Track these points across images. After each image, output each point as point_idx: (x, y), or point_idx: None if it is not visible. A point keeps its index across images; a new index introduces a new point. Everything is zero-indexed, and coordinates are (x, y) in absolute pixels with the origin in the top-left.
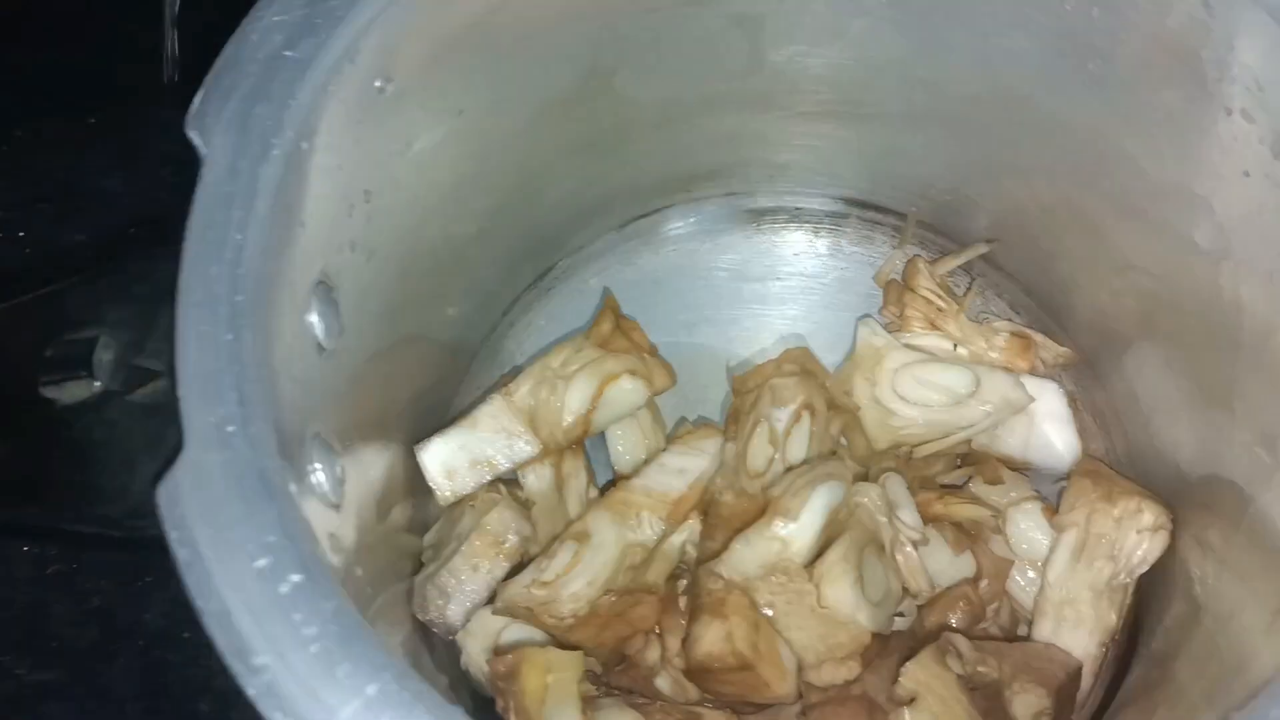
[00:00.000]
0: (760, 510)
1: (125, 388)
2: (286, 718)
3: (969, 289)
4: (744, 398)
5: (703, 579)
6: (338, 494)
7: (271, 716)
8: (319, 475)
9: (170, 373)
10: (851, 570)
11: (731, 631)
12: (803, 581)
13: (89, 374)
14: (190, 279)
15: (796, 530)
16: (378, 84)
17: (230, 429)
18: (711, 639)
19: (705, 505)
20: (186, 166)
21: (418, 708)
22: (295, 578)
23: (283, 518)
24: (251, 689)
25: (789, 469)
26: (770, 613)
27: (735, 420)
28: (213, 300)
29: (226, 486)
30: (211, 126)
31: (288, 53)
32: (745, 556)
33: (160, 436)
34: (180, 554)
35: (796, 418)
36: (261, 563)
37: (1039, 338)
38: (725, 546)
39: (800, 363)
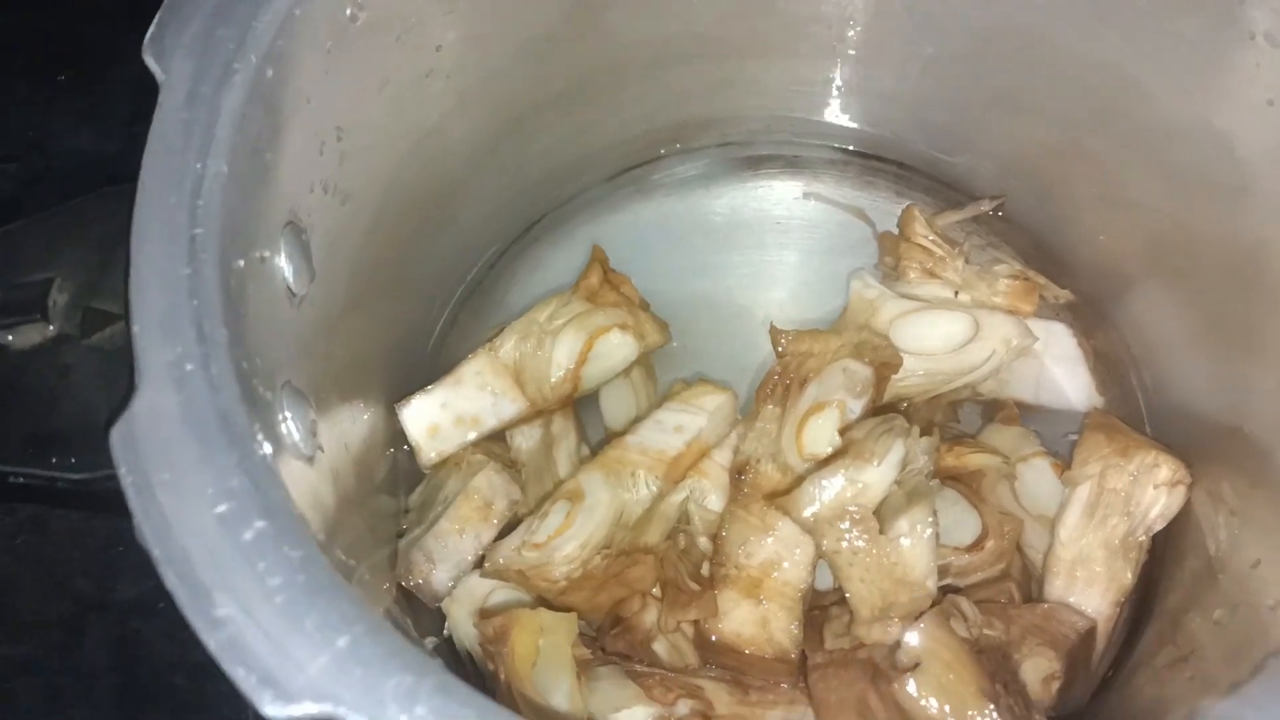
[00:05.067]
0: (795, 486)
1: (81, 332)
2: (250, 673)
3: (967, 238)
4: (796, 359)
5: (731, 553)
6: (310, 446)
7: (234, 672)
8: (290, 425)
9: (128, 314)
10: (934, 531)
11: (767, 618)
12: (873, 531)
13: (43, 317)
14: (145, 210)
15: (878, 475)
16: (348, 11)
17: (189, 367)
18: (742, 619)
19: (738, 468)
20: None
21: (392, 662)
22: (259, 524)
23: (245, 461)
24: (213, 643)
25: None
26: (835, 557)
27: (782, 383)
28: (170, 232)
29: (185, 429)
30: (170, 51)
31: None
32: (819, 496)
33: (118, 383)
34: (135, 500)
35: (865, 412)
36: (222, 508)
37: (1041, 280)
38: (760, 517)
39: (884, 356)
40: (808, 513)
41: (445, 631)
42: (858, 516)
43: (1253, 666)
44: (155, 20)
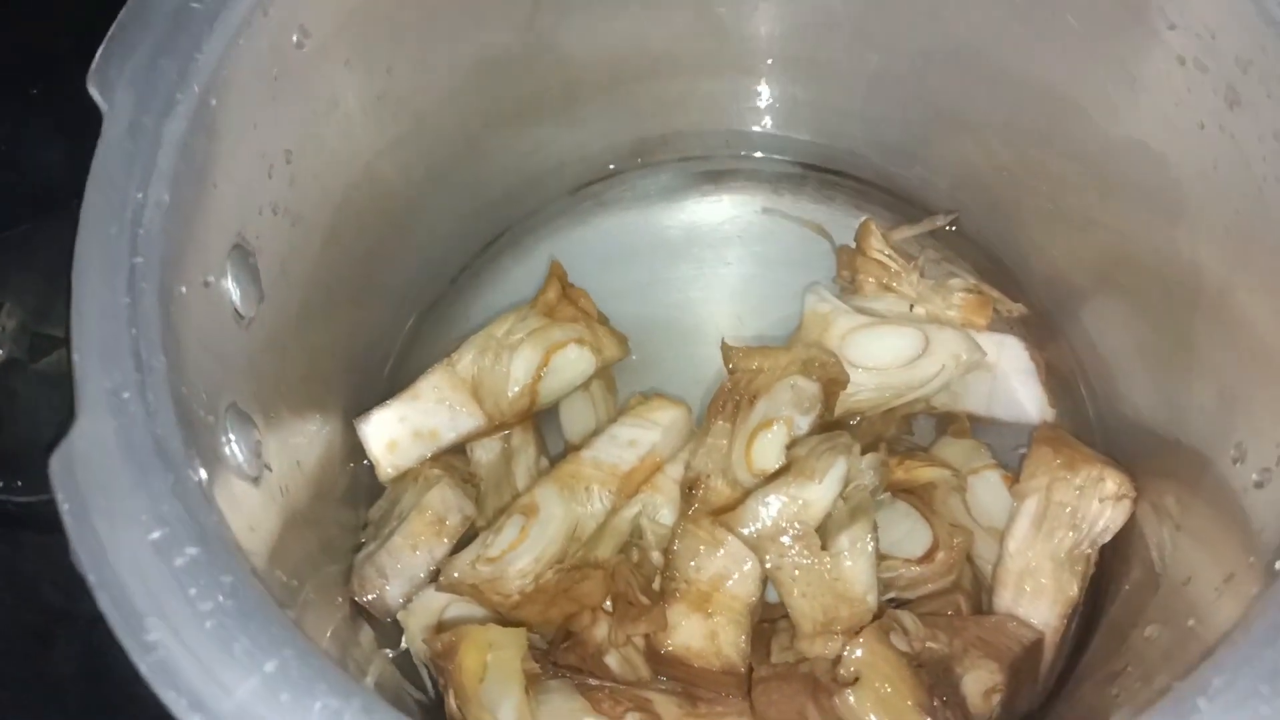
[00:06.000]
0: (742, 501)
1: (30, 356)
2: (180, 696)
3: (922, 252)
4: (746, 376)
5: (681, 567)
6: (255, 466)
7: (164, 694)
8: (234, 446)
9: (69, 343)
10: (874, 547)
11: (716, 631)
12: (814, 547)
13: None
14: (87, 240)
15: (820, 493)
16: (294, 38)
17: (126, 395)
18: (691, 633)
19: (688, 483)
20: None
21: (319, 685)
22: (191, 550)
23: (179, 488)
24: (144, 666)
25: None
26: (778, 573)
27: (732, 399)
28: (111, 261)
29: (121, 456)
30: (113, 82)
31: (194, 4)
32: (762, 514)
33: (66, 407)
34: (71, 527)
35: (814, 428)
36: (156, 535)
37: (995, 293)
38: (710, 532)
39: (832, 373)
40: (750, 530)
41: (402, 644)
42: (799, 533)
43: (1160, 689)
44: (99, 52)
